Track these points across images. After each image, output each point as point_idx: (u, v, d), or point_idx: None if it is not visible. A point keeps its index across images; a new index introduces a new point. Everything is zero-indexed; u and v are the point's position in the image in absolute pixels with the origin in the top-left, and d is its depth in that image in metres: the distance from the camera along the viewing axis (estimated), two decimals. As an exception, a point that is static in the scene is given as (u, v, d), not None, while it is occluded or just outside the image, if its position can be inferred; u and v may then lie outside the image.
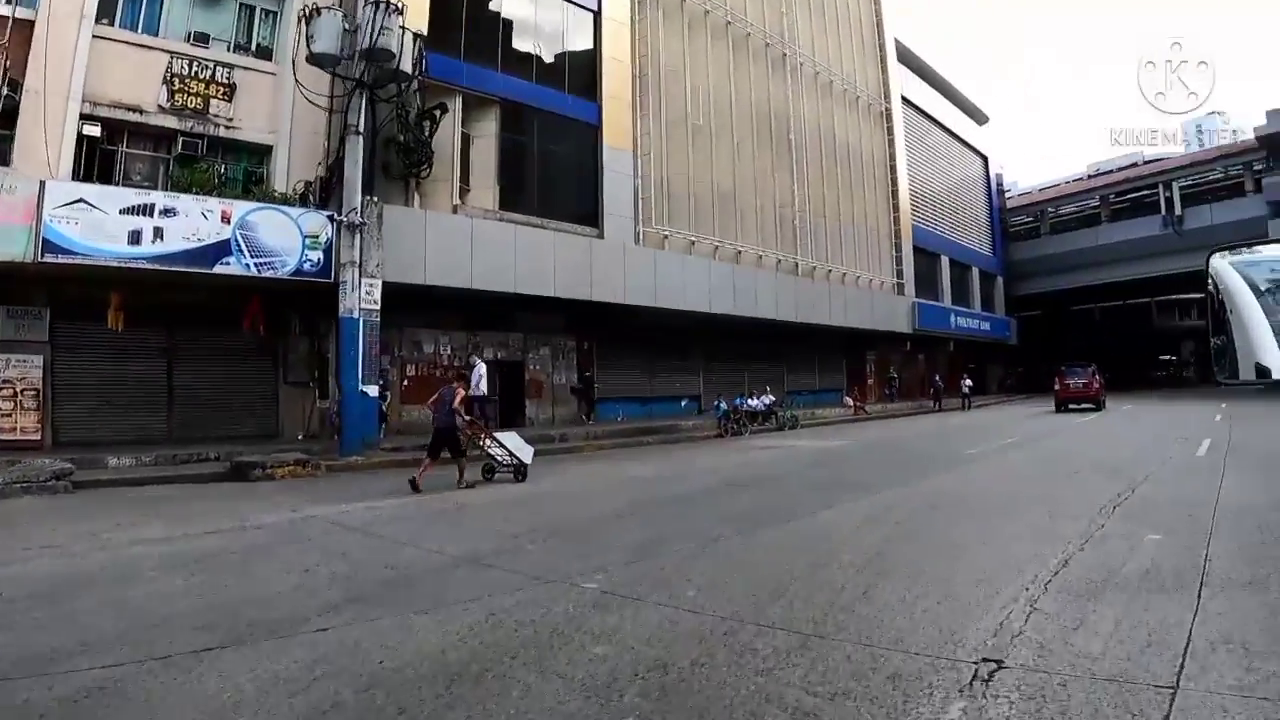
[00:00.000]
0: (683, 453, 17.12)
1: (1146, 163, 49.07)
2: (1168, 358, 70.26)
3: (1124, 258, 45.56)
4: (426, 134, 18.67)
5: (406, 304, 17.94)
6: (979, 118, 49.35)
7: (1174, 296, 66.31)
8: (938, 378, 34.60)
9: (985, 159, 49.34)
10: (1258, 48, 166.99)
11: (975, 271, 45.14)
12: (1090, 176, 57.52)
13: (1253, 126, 38.73)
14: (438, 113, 18.81)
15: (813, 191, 30.89)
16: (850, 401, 30.26)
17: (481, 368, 17.39)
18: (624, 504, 9.50)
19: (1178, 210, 42.86)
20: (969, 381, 34.39)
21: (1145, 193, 47.15)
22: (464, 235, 18.32)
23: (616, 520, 8.33)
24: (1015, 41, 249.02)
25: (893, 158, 36.23)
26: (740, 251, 26.79)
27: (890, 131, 36.57)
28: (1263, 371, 1.68)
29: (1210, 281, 1.89)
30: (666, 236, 24.09)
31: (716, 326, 26.50)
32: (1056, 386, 29.81)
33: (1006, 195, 53.55)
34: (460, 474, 11.17)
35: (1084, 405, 28.72)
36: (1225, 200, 43.02)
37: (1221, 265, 1.87)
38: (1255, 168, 41.38)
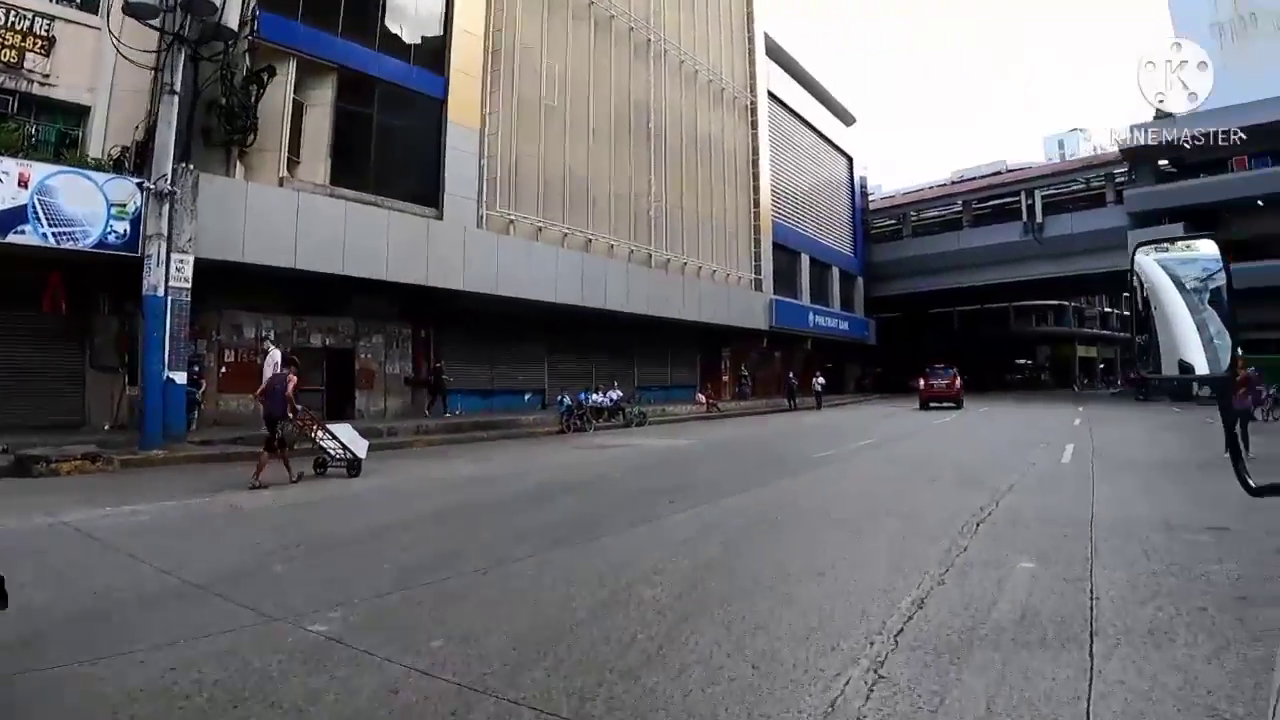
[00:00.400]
0: (516, 450, 17.10)
1: (1010, 171, 52.50)
2: (1024, 362, 75.49)
3: (984, 262, 49.08)
4: (253, 99, 18.09)
5: (226, 283, 17.49)
6: (846, 119, 51.90)
7: (1032, 302, 71.55)
8: (792, 375, 35.88)
9: (850, 160, 51.86)
10: (1125, 69, 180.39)
11: (835, 271, 47.38)
12: (953, 183, 60.86)
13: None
14: (265, 76, 18.24)
15: (671, 182, 31.70)
16: (703, 399, 31.18)
17: (276, 354, 16.12)
18: (423, 510, 9.07)
19: (1039, 218, 46.53)
20: (821, 380, 36.07)
21: (1008, 200, 50.96)
22: (289, 210, 17.97)
23: (402, 531, 7.75)
24: (893, 48, 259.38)
25: (755, 152, 37.58)
26: (591, 240, 27.36)
27: (755, 126, 37.93)
28: (1186, 368, 1.72)
29: (1134, 278, 1.84)
30: (512, 221, 24.31)
31: (564, 317, 26.99)
32: (921, 386, 34.02)
33: (870, 198, 56.46)
34: (285, 468, 11.03)
35: (945, 404, 32.78)
36: (1086, 210, 47.09)
37: (1146, 261, 1.83)
38: (1117, 180, 45.56)
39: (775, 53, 41.01)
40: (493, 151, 23.87)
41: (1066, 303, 74.04)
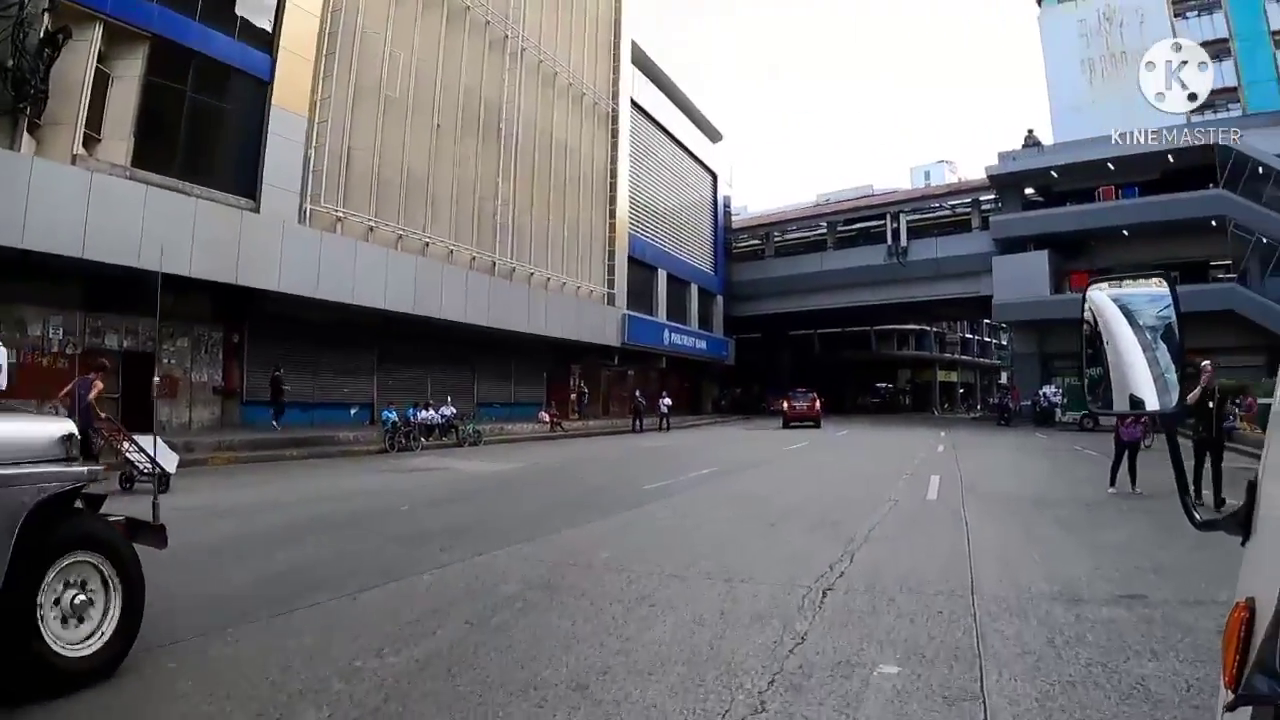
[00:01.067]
0: (317, 472, 16.51)
1: (876, 195, 55.30)
2: (885, 385, 79.80)
3: (847, 284, 51.68)
4: (45, 64, 17.18)
5: (6, 273, 16.42)
6: (713, 135, 53.89)
7: (894, 326, 75.13)
8: (639, 395, 36.48)
9: (715, 176, 53.83)
10: (993, 104, 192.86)
11: (694, 289, 48.95)
12: (818, 205, 63.66)
13: (984, 166, 44.84)
14: (61, 38, 17.36)
15: (521, 187, 32.05)
16: (546, 417, 31.36)
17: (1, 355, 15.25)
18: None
19: (903, 241, 49.52)
20: (668, 401, 36.77)
21: (872, 223, 54.04)
22: (81, 192, 17.26)
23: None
24: (767, 72, 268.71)
25: (614, 162, 38.52)
26: (428, 244, 27.50)
27: (615, 134, 38.81)
28: (1136, 403, 1.79)
29: (1088, 312, 1.93)
30: (340, 218, 24.17)
31: (398, 326, 26.93)
32: (785, 407, 38.50)
33: (735, 216, 58.16)
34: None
35: (806, 423, 36.91)
36: (952, 235, 50.30)
37: (1099, 298, 1.92)
38: (983, 207, 49.00)
39: (642, 62, 42.18)
40: (322, 141, 23.60)
41: (928, 327, 78.63)
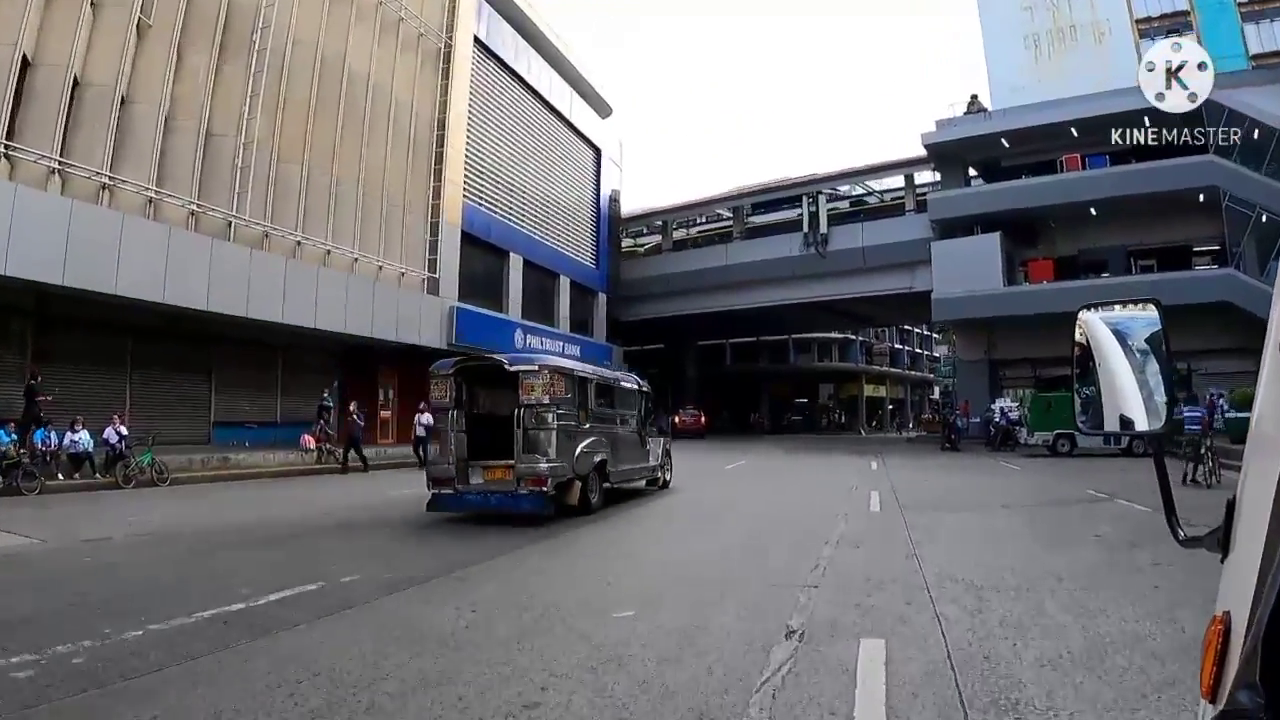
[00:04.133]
0: None
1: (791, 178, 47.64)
2: (804, 401, 71.35)
3: (757, 281, 44.07)
4: None
5: None
6: (601, 108, 45.91)
7: (814, 335, 67.94)
8: (354, 410, 25.44)
9: (599, 153, 45.30)
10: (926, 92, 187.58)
11: (565, 283, 40.29)
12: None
13: (920, 133, 37.68)
14: None
15: (289, 126, 23.42)
16: (310, 442, 22.71)
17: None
18: None
19: (822, 228, 41.85)
20: (425, 419, 25.66)
21: (788, 210, 46.53)
22: None
23: None
24: (687, 55, 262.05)
25: (445, 110, 29.78)
26: (110, 186, 18.78)
27: (448, 76, 30.28)
28: (1126, 423, 1.79)
29: (1080, 333, 1.89)
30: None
31: (63, 308, 18.53)
32: (676, 420, 41.29)
33: (620, 206, 49.70)
34: None
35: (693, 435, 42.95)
36: (881, 219, 43.23)
37: (1092, 319, 1.89)
38: (919, 190, 41.94)
39: (505, 5, 34.03)
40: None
41: (854, 336, 71.23)
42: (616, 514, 12.57)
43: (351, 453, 21.97)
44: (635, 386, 15.41)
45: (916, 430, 62.60)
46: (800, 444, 39.32)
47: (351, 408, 22.70)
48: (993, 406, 33.02)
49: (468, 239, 31.12)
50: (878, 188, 49.18)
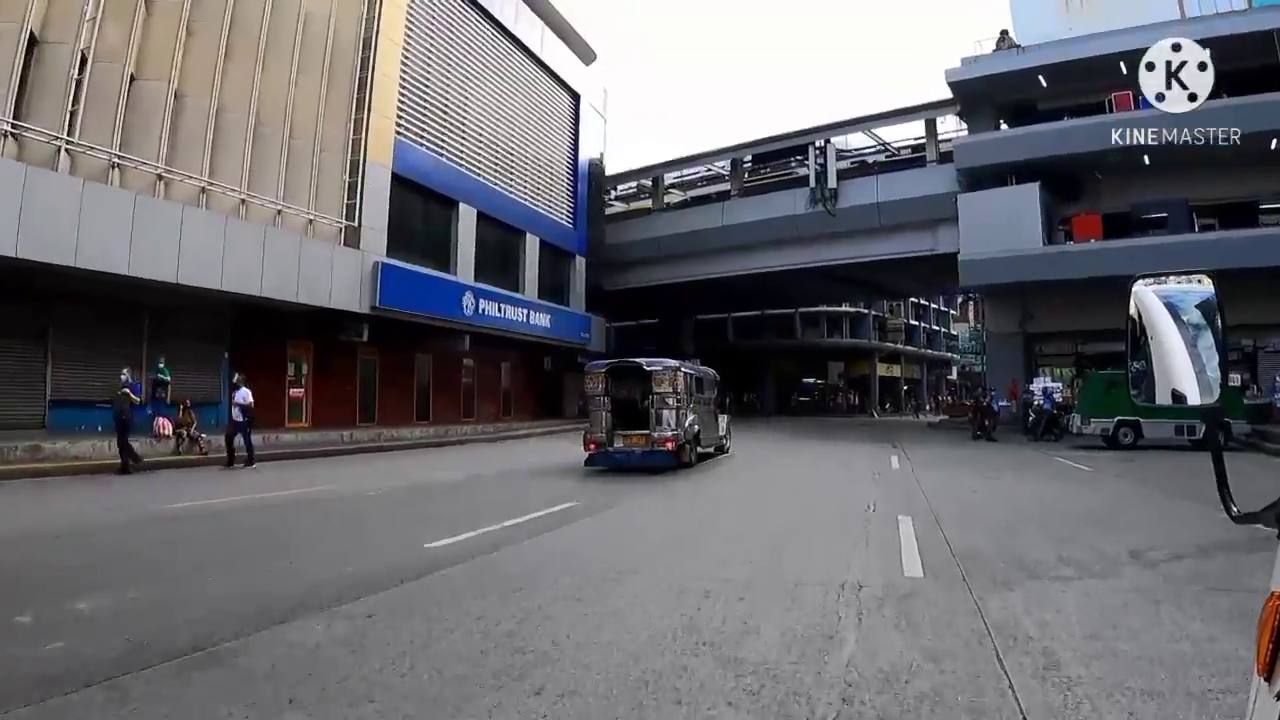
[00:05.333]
0: None
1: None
2: (813, 381, 66.41)
3: (758, 244, 38.95)
4: None
5: None
6: (584, 53, 40.74)
7: (823, 309, 62.93)
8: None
9: (576, 98, 40.00)
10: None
11: (533, 242, 35.16)
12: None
13: (944, 70, 32.55)
14: None
15: (155, 36, 18.57)
16: (165, 428, 17.97)
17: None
18: None
19: (831, 181, 36.28)
20: (243, 395, 18.76)
21: (793, 164, 41.28)
22: None
23: None
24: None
25: (373, 28, 24.65)
26: None
27: (379, -7, 24.96)
28: (1178, 397, 1.79)
29: (1132, 306, 1.88)
30: None
31: None
32: None
33: (604, 163, 44.52)
34: None
35: None
36: (899, 172, 37.92)
37: (1144, 292, 1.88)
38: (941, 141, 36.44)
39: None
40: None
41: (866, 310, 66.03)
42: (705, 468, 17.50)
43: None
44: (715, 377, 20.59)
45: (936, 414, 57.40)
46: (804, 429, 34.26)
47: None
48: (1031, 387, 28.04)
49: (402, 183, 26.06)
50: (894, 144, 43.64)
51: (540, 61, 36.34)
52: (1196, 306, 1.82)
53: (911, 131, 40.16)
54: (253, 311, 22.07)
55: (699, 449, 17.63)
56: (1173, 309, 1.84)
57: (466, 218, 30.05)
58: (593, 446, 16.28)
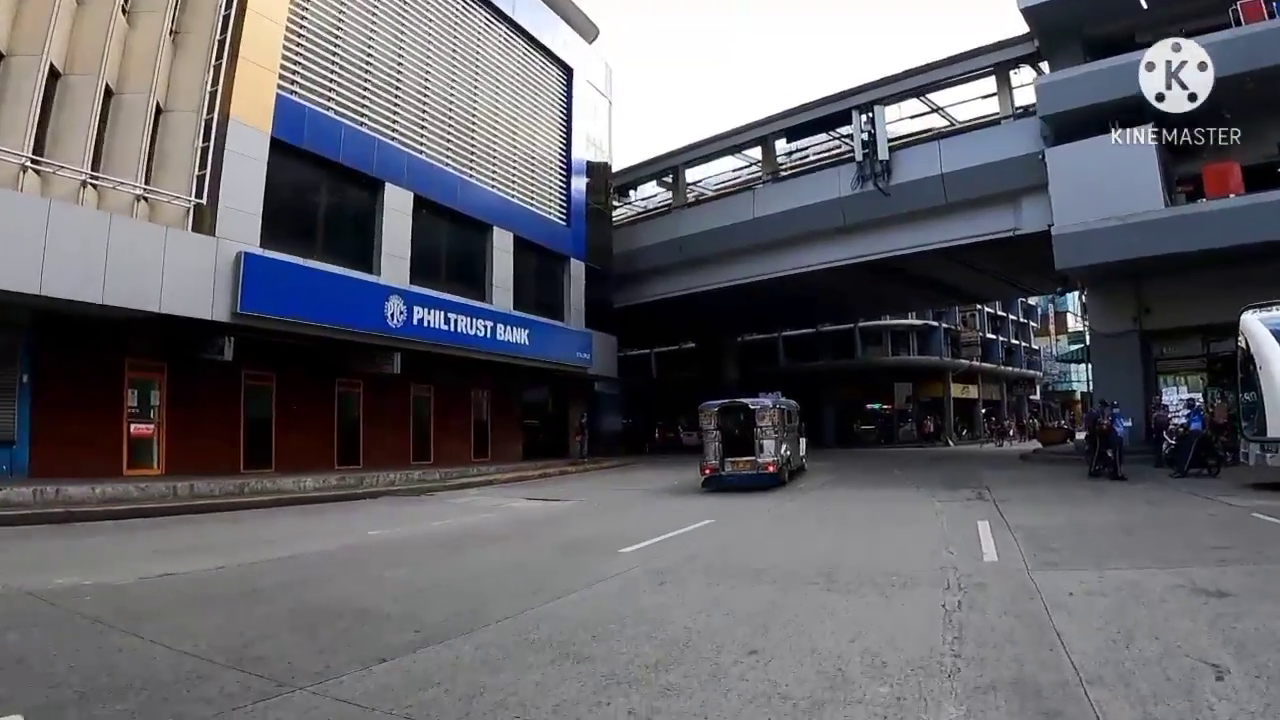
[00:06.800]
0: None
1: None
2: (877, 406, 59.72)
3: (796, 238, 32.23)
4: None
5: None
6: (585, 29, 35.07)
7: (884, 323, 56.05)
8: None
9: (569, 73, 33.72)
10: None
11: (504, 239, 28.55)
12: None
13: None
14: None
15: None
16: None
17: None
18: None
19: (882, 153, 28.93)
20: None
21: (833, 126, 33.68)
22: None
23: None
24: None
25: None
26: None
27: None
28: None
29: (1241, 338, 1.43)
30: None
31: None
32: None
33: (609, 150, 38.10)
34: None
35: None
36: (967, 134, 30.17)
37: (1253, 322, 1.52)
38: (1015, 92, 28.98)
39: None
40: None
41: (934, 323, 58.42)
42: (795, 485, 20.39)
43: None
44: (797, 409, 24.14)
45: (1024, 438, 49.61)
46: (853, 468, 27.20)
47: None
48: (1165, 403, 20.90)
49: (290, 152, 20.01)
50: (956, 114, 36.37)
51: (511, 20, 29.91)
52: None
53: (978, 92, 33.02)
54: (63, 322, 16.20)
55: (791, 468, 21.31)
56: None
57: (397, 204, 23.61)
58: (708, 470, 19.40)
